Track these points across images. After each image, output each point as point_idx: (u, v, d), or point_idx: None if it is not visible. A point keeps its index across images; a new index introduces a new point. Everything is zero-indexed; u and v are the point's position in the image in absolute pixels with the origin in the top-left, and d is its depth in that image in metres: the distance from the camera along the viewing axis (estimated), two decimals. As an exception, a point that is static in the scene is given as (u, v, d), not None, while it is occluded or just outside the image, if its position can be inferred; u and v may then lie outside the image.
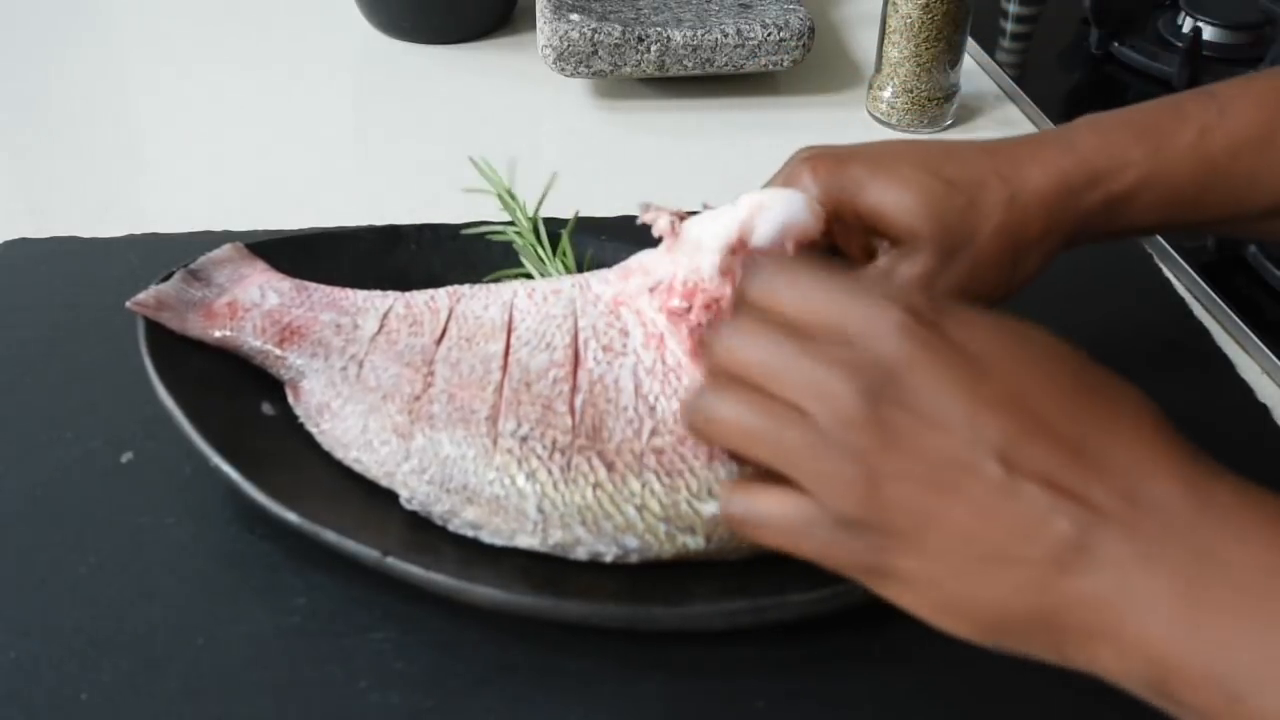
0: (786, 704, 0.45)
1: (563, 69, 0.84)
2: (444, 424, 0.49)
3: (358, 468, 0.50)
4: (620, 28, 0.83)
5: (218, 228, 0.70)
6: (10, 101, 0.87)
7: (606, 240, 0.63)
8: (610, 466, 0.47)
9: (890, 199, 0.48)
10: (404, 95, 0.89)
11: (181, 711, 0.44)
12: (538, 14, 0.86)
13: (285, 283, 0.56)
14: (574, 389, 0.49)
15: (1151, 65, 0.91)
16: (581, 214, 0.73)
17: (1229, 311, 0.67)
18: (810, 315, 0.37)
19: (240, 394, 0.52)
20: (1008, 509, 0.33)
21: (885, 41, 0.84)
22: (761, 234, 0.48)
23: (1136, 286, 0.70)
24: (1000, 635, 0.35)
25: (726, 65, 0.85)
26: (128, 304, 0.53)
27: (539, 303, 0.53)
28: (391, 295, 0.55)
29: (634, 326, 0.51)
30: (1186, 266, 0.70)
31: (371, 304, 0.55)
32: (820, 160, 0.49)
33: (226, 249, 0.57)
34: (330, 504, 0.48)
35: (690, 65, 0.84)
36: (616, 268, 0.53)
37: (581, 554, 0.47)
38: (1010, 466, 0.33)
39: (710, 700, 0.46)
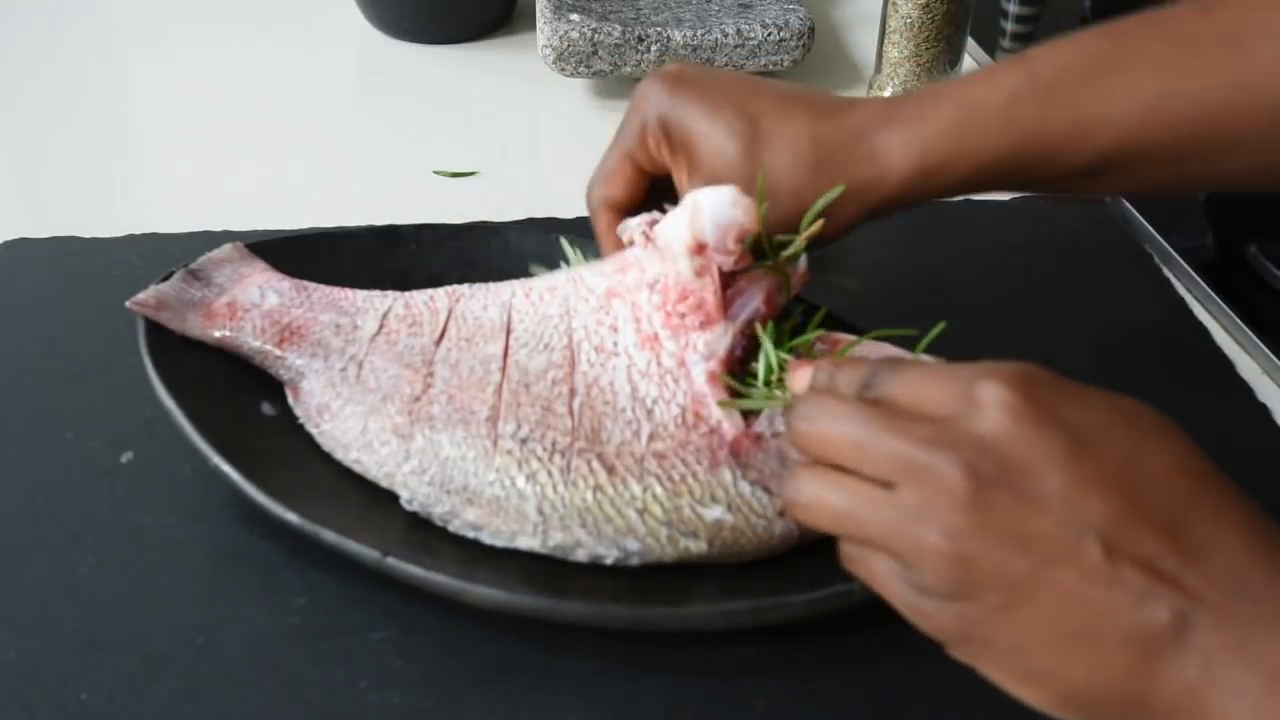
0: (786, 704, 0.45)
1: (563, 69, 0.84)
2: (444, 425, 0.49)
3: (357, 468, 0.50)
4: (620, 28, 0.83)
5: (218, 228, 0.70)
6: (10, 101, 0.87)
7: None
8: (611, 469, 0.47)
9: (703, 136, 0.50)
10: (404, 95, 0.89)
11: (181, 711, 0.44)
12: (538, 14, 0.86)
13: (285, 283, 0.56)
14: (572, 391, 0.50)
15: (1151, 65, 0.91)
16: (581, 214, 0.73)
17: (1229, 311, 0.67)
18: (912, 397, 0.37)
19: (240, 394, 0.52)
20: (1104, 591, 0.33)
21: (885, 41, 0.84)
22: (707, 235, 0.48)
23: (1136, 286, 0.70)
24: (1079, 711, 0.35)
25: (726, 65, 0.85)
26: (127, 304, 0.53)
27: (535, 302, 0.53)
28: (391, 295, 0.55)
29: (625, 322, 0.51)
30: (1186, 266, 0.70)
31: (371, 304, 0.55)
32: (659, 80, 0.52)
33: (227, 249, 0.57)
34: (330, 504, 0.48)
35: (690, 65, 0.84)
36: (612, 258, 0.54)
37: (582, 556, 0.47)
38: (1110, 549, 0.33)
39: (710, 700, 0.46)
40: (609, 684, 0.46)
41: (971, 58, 0.93)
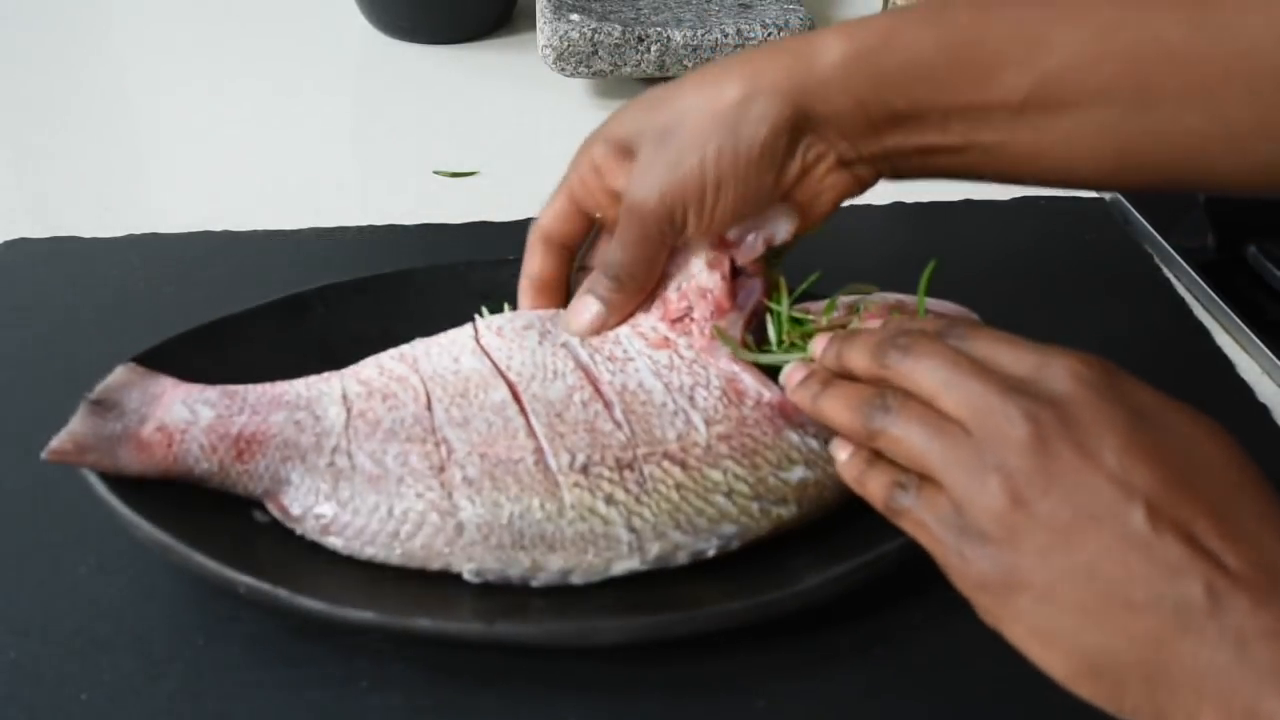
0: (786, 704, 0.45)
1: (563, 69, 0.84)
2: (490, 485, 0.47)
3: (394, 560, 0.47)
4: (620, 28, 0.83)
5: (217, 228, 0.70)
6: (11, 101, 0.87)
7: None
8: (684, 465, 0.47)
9: (619, 121, 0.50)
10: (404, 95, 0.89)
11: (181, 711, 0.44)
12: (538, 14, 0.86)
13: (210, 391, 0.50)
14: (607, 404, 0.49)
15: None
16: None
17: (1229, 311, 0.67)
18: (990, 357, 0.39)
19: (227, 509, 0.48)
20: (1143, 556, 0.34)
21: (885, 41, 0.83)
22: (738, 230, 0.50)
23: (1137, 286, 0.70)
24: (1094, 680, 0.35)
25: (726, 65, 0.85)
26: (44, 456, 0.46)
27: (513, 338, 0.52)
28: (331, 377, 0.51)
29: (628, 338, 0.52)
30: (1186, 266, 0.70)
31: (318, 390, 0.50)
32: (602, 126, 0.52)
33: (120, 371, 0.50)
34: (390, 595, 0.46)
35: (690, 65, 0.84)
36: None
37: (683, 558, 0.47)
38: (1154, 515, 0.34)
39: (710, 700, 0.46)
40: (609, 684, 0.46)
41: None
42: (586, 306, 0.52)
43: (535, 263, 0.54)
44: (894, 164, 0.48)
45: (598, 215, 0.52)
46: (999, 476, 0.36)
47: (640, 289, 0.52)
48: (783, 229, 0.50)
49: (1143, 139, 0.45)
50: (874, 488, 0.41)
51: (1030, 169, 0.47)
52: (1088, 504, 0.35)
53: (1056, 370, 0.38)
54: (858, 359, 0.43)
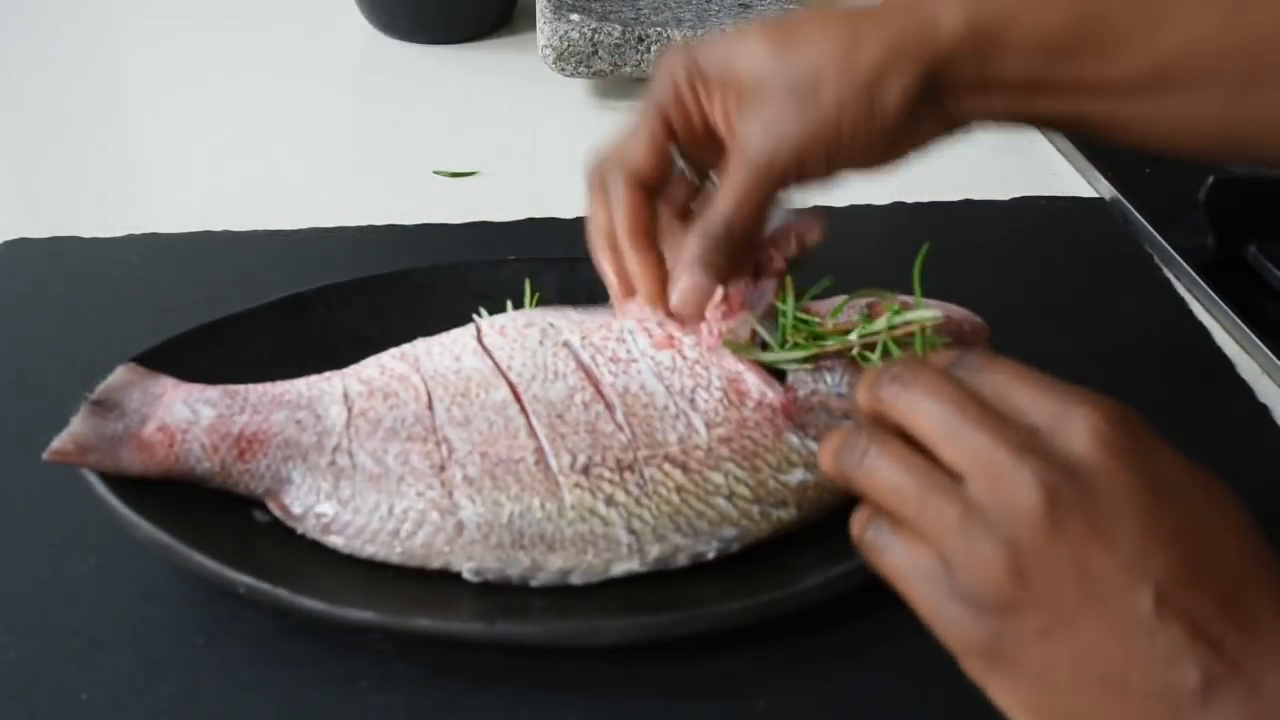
0: (786, 704, 0.45)
1: (563, 69, 0.84)
2: (490, 484, 0.47)
3: (394, 559, 0.47)
4: (620, 28, 0.83)
5: (217, 227, 0.70)
6: (10, 101, 0.87)
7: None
8: (684, 467, 0.47)
9: (733, 56, 0.48)
10: (404, 95, 0.89)
11: (181, 711, 0.44)
12: (538, 14, 0.86)
13: (211, 391, 0.50)
14: (609, 406, 0.49)
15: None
16: (581, 214, 0.73)
17: (1229, 311, 0.67)
18: (1003, 397, 0.36)
19: (226, 509, 0.48)
20: (1146, 641, 0.33)
21: (885, 41, 0.83)
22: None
23: (1137, 286, 0.70)
24: None
25: (726, 65, 0.85)
26: (45, 456, 0.46)
27: (516, 337, 0.52)
28: (332, 376, 0.51)
29: (632, 334, 0.52)
30: (1186, 266, 0.70)
31: (319, 390, 0.50)
32: (678, 46, 0.50)
33: (121, 371, 0.50)
34: (391, 595, 0.45)
35: (690, 65, 0.84)
36: (599, 308, 0.54)
37: (683, 560, 0.47)
38: (1163, 601, 0.33)
39: (710, 700, 0.45)
40: (609, 684, 0.46)
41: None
42: (689, 282, 0.49)
43: (629, 209, 0.50)
44: (998, 121, 0.48)
45: (678, 159, 0.50)
46: (1001, 546, 0.33)
47: (745, 246, 0.49)
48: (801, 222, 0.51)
49: (1250, 119, 0.45)
50: (855, 517, 0.38)
51: (1132, 137, 0.47)
52: (1096, 586, 0.33)
53: (1077, 427, 0.34)
54: (859, 392, 0.39)
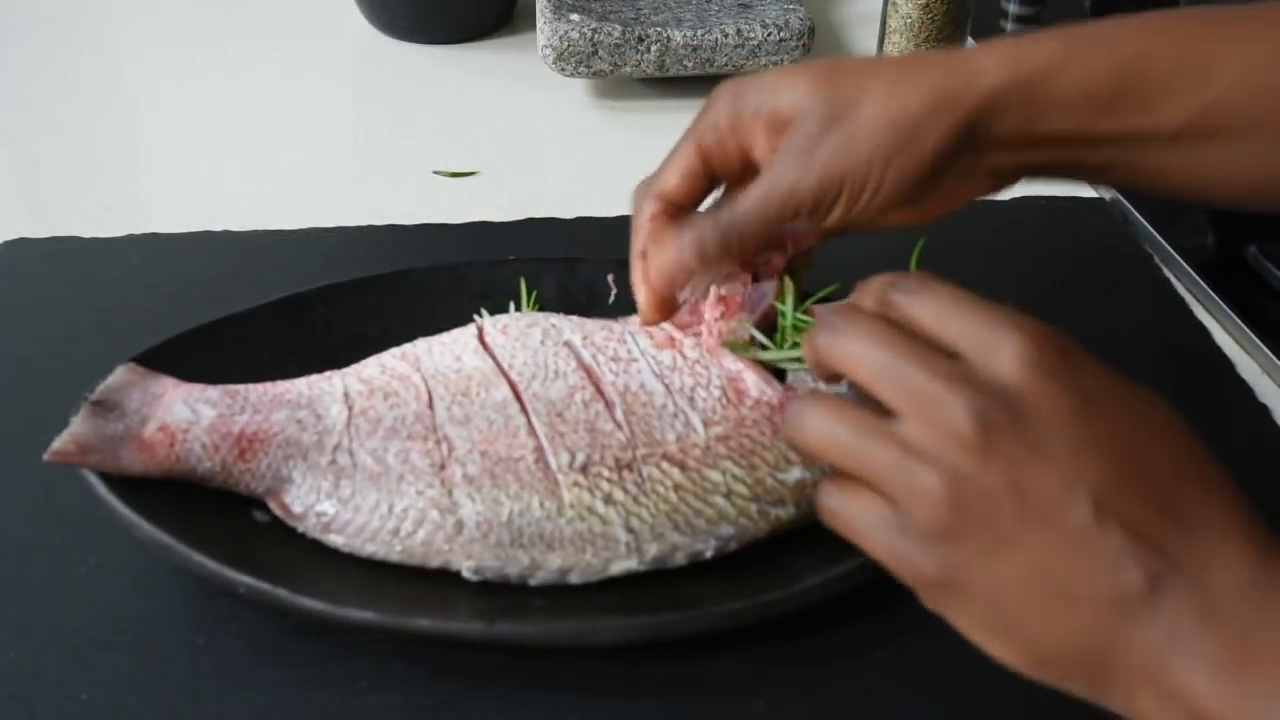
0: (786, 704, 0.45)
1: (563, 69, 0.84)
2: (490, 483, 0.47)
3: (393, 557, 0.47)
4: (620, 28, 0.83)
5: (217, 227, 0.70)
6: (11, 101, 0.87)
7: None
8: (683, 466, 0.48)
9: (777, 89, 0.48)
10: (404, 95, 0.89)
11: (181, 711, 0.44)
12: (538, 14, 0.86)
13: (211, 391, 0.50)
14: (608, 404, 0.49)
15: (1151, 65, 0.91)
16: (581, 214, 0.73)
17: (1229, 311, 0.67)
18: (934, 326, 0.37)
19: (227, 509, 0.48)
20: (1088, 549, 0.34)
21: (885, 41, 0.84)
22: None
23: (1136, 286, 0.70)
24: (1046, 668, 0.35)
25: (726, 65, 0.85)
26: (46, 457, 0.46)
27: (517, 337, 0.52)
28: (332, 376, 0.51)
29: (633, 336, 0.52)
30: (1186, 266, 0.70)
31: (320, 390, 0.50)
32: (729, 81, 0.50)
33: (120, 372, 0.50)
34: (391, 595, 0.45)
35: (690, 65, 0.84)
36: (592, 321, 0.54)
37: (681, 559, 0.47)
38: (1100, 509, 0.34)
39: (710, 700, 0.46)
40: (609, 684, 0.46)
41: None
42: (673, 256, 0.49)
43: (648, 227, 0.51)
44: (1038, 174, 0.49)
45: (720, 183, 0.51)
46: (939, 476, 0.34)
47: (740, 255, 0.50)
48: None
49: (1269, 170, 0.47)
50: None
51: (1175, 187, 0.48)
52: (1033, 503, 0.34)
53: (1005, 351, 0.35)
54: (803, 349, 0.40)
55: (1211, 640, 0.33)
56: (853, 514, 0.37)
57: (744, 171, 0.50)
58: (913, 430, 0.35)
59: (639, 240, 0.51)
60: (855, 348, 0.37)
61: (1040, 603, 0.34)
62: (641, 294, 0.51)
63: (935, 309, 0.37)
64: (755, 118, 0.48)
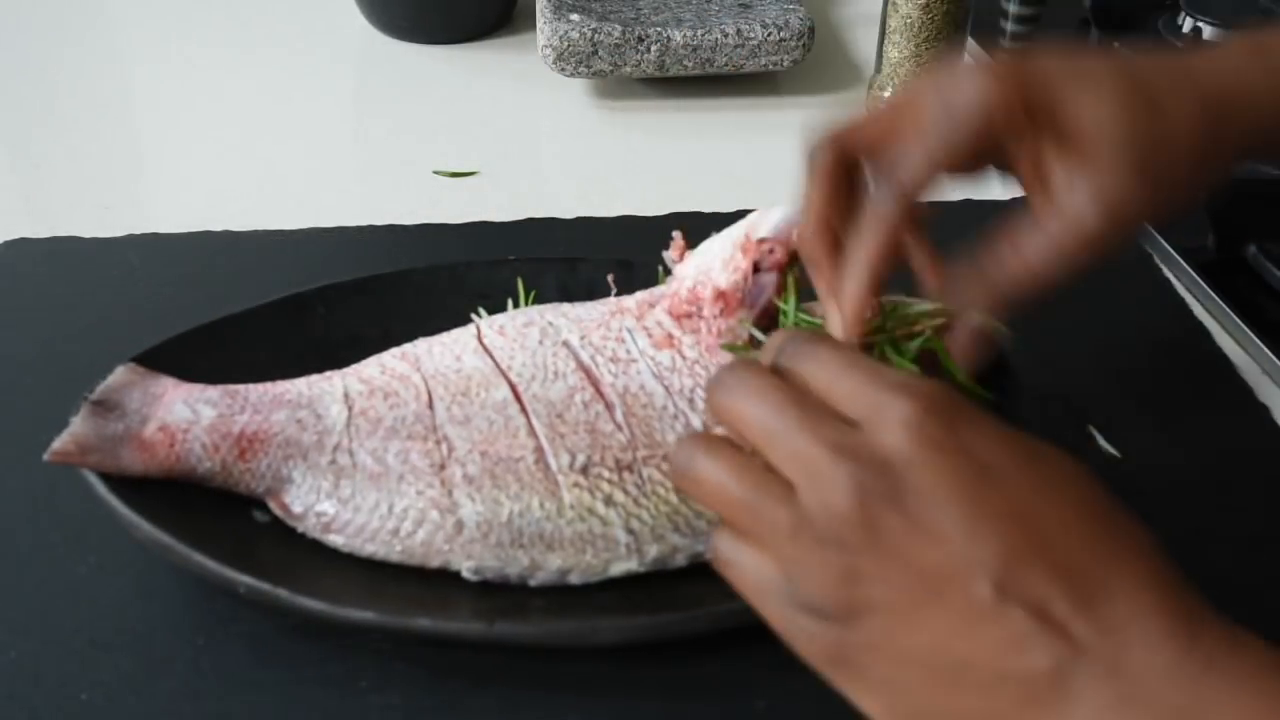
0: (786, 704, 0.45)
1: (563, 69, 0.84)
2: (490, 483, 0.47)
3: (393, 558, 0.47)
4: (620, 28, 0.83)
5: (218, 227, 0.70)
6: (10, 101, 0.87)
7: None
8: None
9: (1078, 95, 0.42)
10: (404, 95, 0.89)
11: (181, 711, 0.44)
12: (538, 14, 0.86)
13: (211, 391, 0.50)
14: (609, 405, 0.49)
15: (1151, 65, 0.91)
16: (581, 214, 0.73)
17: (1229, 311, 0.67)
18: (825, 390, 0.35)
19: (226, 509, 0.48)
20: (989, 630, 0.32)
21: (885, 41, 0.84)
22: (766, 228, 0.50)
23: (1136, 286, 0.70)
24: None
25: (726, 65, 0.85)
26: (46, 457, 0.46)
27: (516, 337, 0.52)
28: (332, 376, 0.51)
29: (631, 334, 0.52)
30: (1186, 266, 0.70)
31: (320, 390, 0.50)
32: (1000, 56, 0.44)
33: (120, 372, 0.50)
34: (392, 595, 0.45)
35: (690, 65, 0.84)
36: (596, 302, 0.54)
37: (681, 560, 0.47)
38: (1001, 588, 0.31)
39: (710, 700, 0.45)
40: (609, 684, 0.46)
41: (971, 58, 0.93)
42: (978, 292, 0.44)
43: (887, 237, 0.42)
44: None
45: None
46: (829, 552, 0.33)
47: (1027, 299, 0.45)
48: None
49: None
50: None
51: None
52: (927, 582, 0.32)
53: (889, 419, 0.33)
54: (706, 399, 0.38)
55: None
56: (746, 569, 0.36)
57: (976, 158, 0.44)
58: (804, 500, 0.34)
59: (877, 259, 0.42)
60: (746, 408, 0.35)
61: (943, 686, 0.32)
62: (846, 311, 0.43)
63: (825, 372, 0.35)
64: (1041, 124, 0.43)
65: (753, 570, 0.36)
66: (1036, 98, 0.42)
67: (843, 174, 0.44)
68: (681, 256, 0.54)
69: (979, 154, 0.44)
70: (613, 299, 0.54)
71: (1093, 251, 0.43)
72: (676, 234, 0.55)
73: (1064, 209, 0.43)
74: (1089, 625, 0.31)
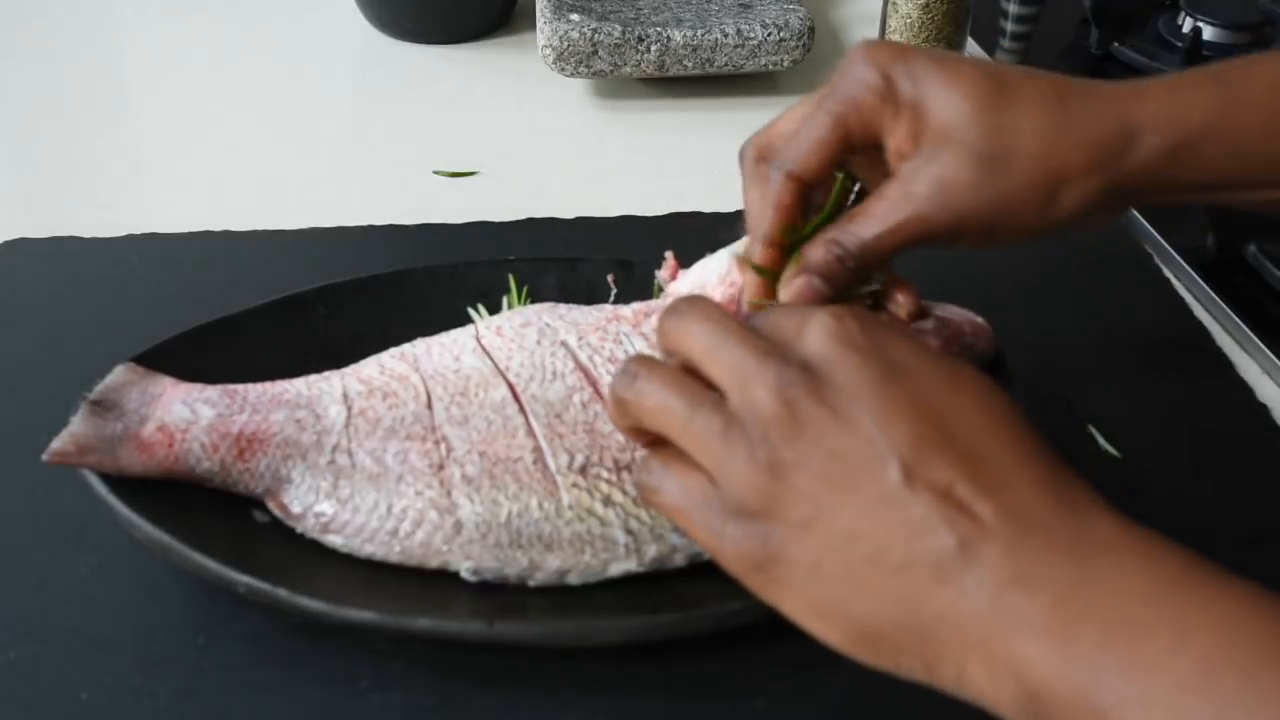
0: (786, 704, 0.45)
1: (563, 69, 0.84)
2: (489, 483, 0.47)
3: (392, 558, 0.47)
4: (620, 28, 0.83)
5: (217, 227, 0.70)
6: (11, 101, 0.87)
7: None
8: None
9: (933, 89, 0.45)
10: (404, 95, 0.89)
11: (181, 711, 0.44)
12: (538, 14, 0.86)
13: (210, 391, 0.49)
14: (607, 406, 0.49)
15: (1151, 65, 0.91)
16: (581, 214, 0.73)
17: (1229, 311, 0.67)
18: (762, 320, 0.39)
19: (226, 508, 0.48)
20: (898, 514, 0.34)
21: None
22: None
23: (1136, 286, 0.70)
24: (871, 647, 0.35)
25: (726, 65, 0.85)
26: (45, 457, 0.46)
27: (513, 338, 0.52)
28: (331, 376, 0.51)
29: (629, 337, 0.52)
30: (1186, 266, 0.70)
31: (319, 390, 0.50)
32: (879, 47, 0.47)
33: (120, 372, 0.50)
34: (392, 594, 0.45)
35: (690, 65, 0.84)
36: (592, 308, 0.54)
37: (680, 560, 0.47)
38: (909, 473, 0.34)
39: (710, 700, 0.46)
40: (608, 684, 0.46)
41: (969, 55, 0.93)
42: (805, 285, 0.46)
43: (782, 206, 0.48)
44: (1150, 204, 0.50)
45: (840, 171, 0.48)
46: (754, 450, 0.35)
47: (866, 275, 0.48)
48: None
49: (1254, 177, 0.47)
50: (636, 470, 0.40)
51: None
52: (843, 469, 0.34)
53: (813, 329, 0.36)
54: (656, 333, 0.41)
55: (1033, 602, 0.32)
56: (674, 491, 0.38)
57: (870, 149, 0.48)
58: (733, 405, 0.36)
59: (772, 226, 0.48)
60: (692, 328, 0.38)
61: (859, 573, 0.34)
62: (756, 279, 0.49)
63: (770, 313, 0.39)
64: (903, 111, 0.46)
65: (678, 487, 0.38)
66: (903, 85, 0.46)
67: (766, 170, 0.49)
68: (674, 276, 0.54)
69: (853, 134, 0.47)
70: (609, 306, 0.54)
71: (922, 231, 0.45)
72: (669, 254, 0.55)
73: (899, 179, 0.46)
74: (991, 507, 0.33)
